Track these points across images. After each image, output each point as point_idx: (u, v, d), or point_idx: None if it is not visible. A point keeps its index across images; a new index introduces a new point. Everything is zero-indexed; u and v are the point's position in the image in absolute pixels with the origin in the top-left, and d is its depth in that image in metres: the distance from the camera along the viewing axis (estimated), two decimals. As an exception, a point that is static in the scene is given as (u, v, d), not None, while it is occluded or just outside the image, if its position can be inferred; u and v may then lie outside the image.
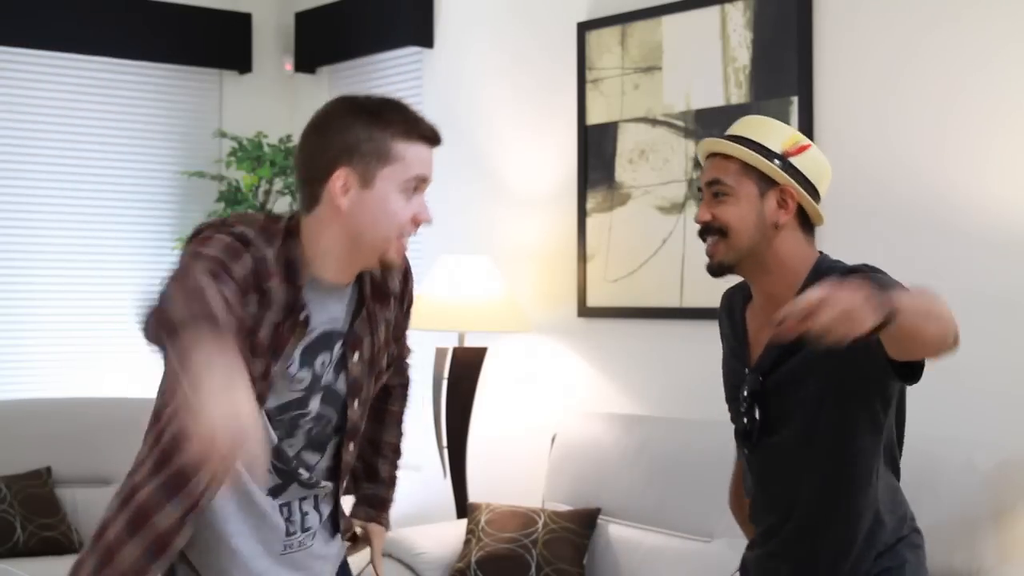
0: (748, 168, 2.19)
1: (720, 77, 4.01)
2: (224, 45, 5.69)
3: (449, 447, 4.52)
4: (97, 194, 5.44)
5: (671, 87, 4.16)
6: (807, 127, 3.76)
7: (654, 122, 4.21)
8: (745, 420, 2.27)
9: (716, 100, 4.02)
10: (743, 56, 3.95)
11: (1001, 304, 3.36)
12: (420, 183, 2.11)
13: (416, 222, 2.12)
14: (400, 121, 2.04)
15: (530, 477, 4.43)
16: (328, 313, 2.10)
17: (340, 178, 2.00)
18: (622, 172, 4.31)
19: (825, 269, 2.20)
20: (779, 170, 2.17)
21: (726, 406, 2.39)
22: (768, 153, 2.18)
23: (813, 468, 2.20)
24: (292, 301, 2.01)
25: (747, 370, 2.27)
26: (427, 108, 5.15)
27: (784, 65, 3.84)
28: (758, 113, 3.87)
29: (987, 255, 3.38)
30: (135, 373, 5.43)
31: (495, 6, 4.84)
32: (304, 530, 2.19)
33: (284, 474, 2.13)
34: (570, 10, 4.51)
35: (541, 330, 4.60)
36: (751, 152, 2.19)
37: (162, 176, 5.57)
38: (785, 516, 2.26)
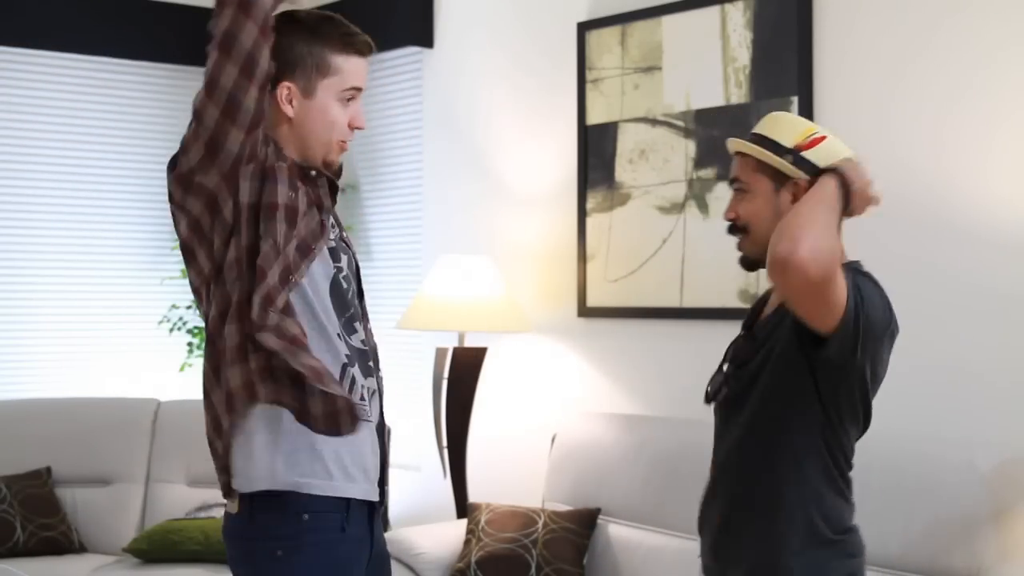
0: (762, 165, 2.27)
1: (720, 77, 4.01)
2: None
3: (449, 447, 4.52)
4: (97, 194, 5.45)
5: (671, 87, 4.16)
6: (807, 127, 3.76)
7: (654, 122, 4.21)
8: (725, 381, 2.37)
9: (716, 100, 4.02)
10: (743, 56, 3.95)
11: (1001, 304, 3.36)
12: (355, 92, 2.30)
13: (352, 127, 2.32)
14: (337, 36, 2.26)
15: (530, 477, 4.43)
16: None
17: (284, 89, 2.23)
18: (622, 172, 4.31)
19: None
20: (789, 164, 2.24)
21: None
22: (779, 149, 2.25)
23: (743, 433, 2.29)
24: (300, 168, 2.26)
25: (743, 332, 2.39)
26: (427, 108, 5.15)
27: (784, 65, 3.84)
28: (758, 113, 3.87)
29: (987, 255, 3.38)
30: (135, 373, 5.44)
31: (495, 6, 4.84)
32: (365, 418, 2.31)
33: (350, 347, 2.27)
34: (570, 10, 4.51)
35: (541, 330, 4.60)
36: (761, 149, 2.26)
37: (162, 176, 5.53)
38: (718, 480, 2.38)
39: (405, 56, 5.28)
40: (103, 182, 5.46)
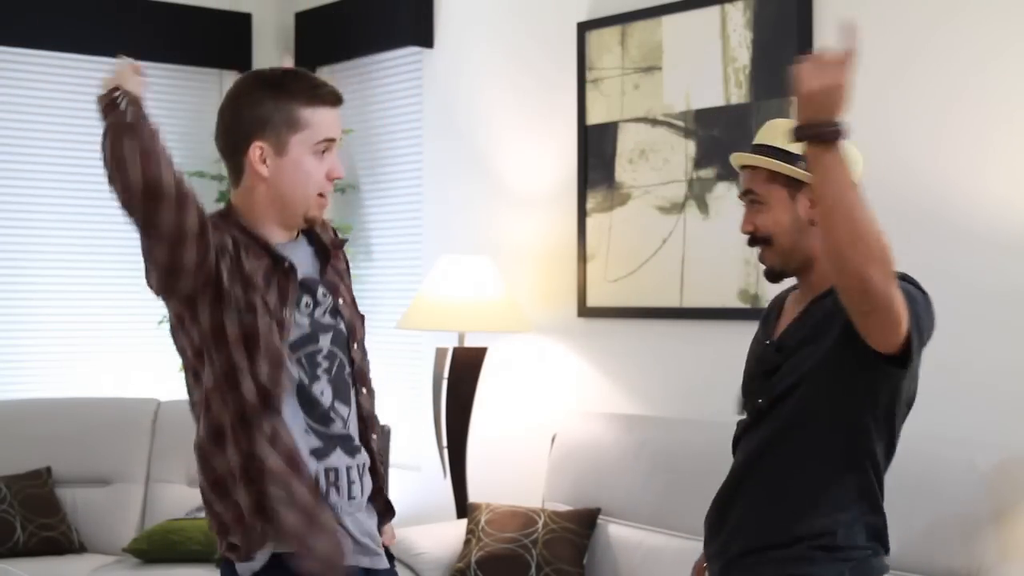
0: (774, 174, 2.28)
1: (720, 77, 4.01)
2: (224, 45, 5.69)
3: (449, 447, 4.52)
4: (97, 194, 5.43)
5: (671, 87, 4.16)
6: (807, 127, 3.76)
7: (654, 122, 4.21)
8: (754, 388, 2.34)
9: (716, 100, 4.02)
10: (743, 56, 3.95)
11: (1001, 304, 3.36)
12: (329, 143, 2.26)
13: (330, 178, 2.28)
14: (303, 89, 2.22)
15: (530, 477, 4.43)
16: (298, 260, 2.29)
17: (256, 149, 2.20)
18: (622, 172, 4.31)
19: None
20: (802, 171, 2.23)
21: (729, 407, 2.42)
22: (789, 156, 2.25)
23: (772, 439, 2.26)
24: (272, 255, 2.23)
25: (767, 342, 2.36)
26: (427, 108, 5.15)
27: (784, 65, 3.83)
28: (758, 113, 3.87)
29: (987, 255, 3.38)
30: (135, 373, 5.43)
31: (495, 6, 4.84)
32: (350, 498, 2.29)
33: (323, 436, 2.26)
34: (570, 10, 4.51)
35: (541, 330, 4.60)
36: (772, 160, 2.26)
37: (162, 176, 5.56)
38: (737, 483, 2.33)
39: (405, 56, 5.28)
40: (103, 182, 5.43)
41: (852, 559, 2.23)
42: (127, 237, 5.45)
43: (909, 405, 2.28)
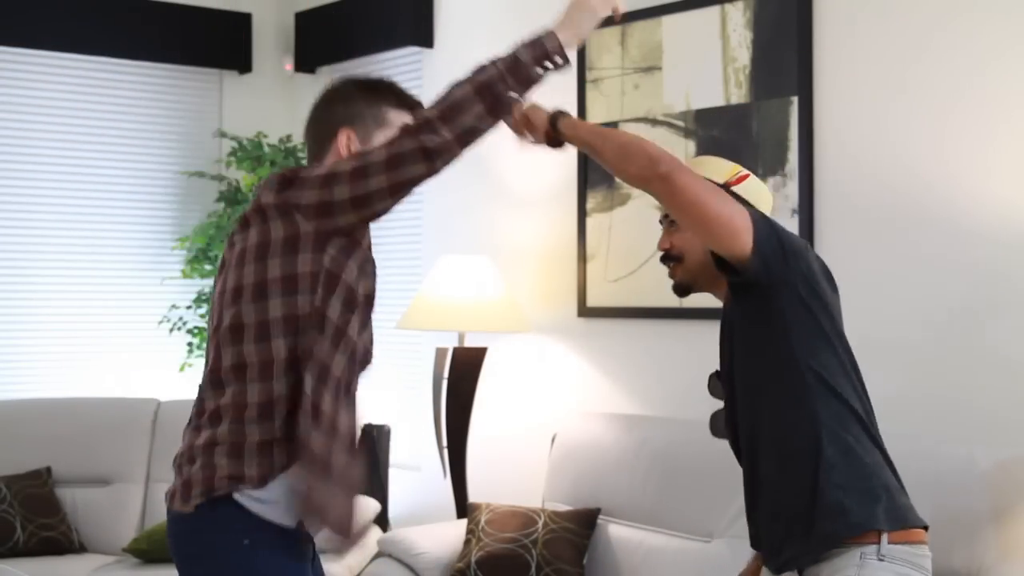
0: None
1: (720, 77, 4.01)
2: (224, 45, 5.70)
3: (449, 447, 4.52)
4: (97, 194, 5.45)
5: (671, 87, 4.16)
6: (807, 127, 3.77)
7: (654, 122, 4.21)
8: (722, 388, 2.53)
9: (716, 100, 4.02)
10: (743, 56, 3.95)
11: (1002, 303, 3.36)
12: None
13: None
14: (392, 94, 2.49)
15: (530, 477, 4.43)
16: None
17: (344, 135, 2.41)
18: (622, 172, 4.31)
19: None
20: None
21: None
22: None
23: (745, 403, 2.40)
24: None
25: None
26: (427, 108, 5.15)
27: (784, 65, 3.84)
28: (758, 113, 3.88)
29: (988, 254, 3.38)
30: (135, 373, 5.44)
31: (495, 6, 4.84)
32: None
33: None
34: (570, 10, 4.51)
35: (541, 330, 4.60)
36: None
37: (162, 176, 5.57)
38: (749, 477, 2.42)
39: (405, 56, 5.28)
40: (103, 182, 5.46)
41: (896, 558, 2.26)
42: (127, 237, 5.49)
43: (824, 305, 2.35)
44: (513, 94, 2.32)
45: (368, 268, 2.37)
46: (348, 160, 2.28)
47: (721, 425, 2.55)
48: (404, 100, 2.48)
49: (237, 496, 2.25)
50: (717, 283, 2.47)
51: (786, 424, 2.31)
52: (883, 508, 2.25)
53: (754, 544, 2.47)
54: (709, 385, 2.61)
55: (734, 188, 2.44)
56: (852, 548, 2.23)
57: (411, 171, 2.24)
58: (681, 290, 2.57)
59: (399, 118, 2.42)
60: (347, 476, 2.29)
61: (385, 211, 2.31)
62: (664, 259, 2.58)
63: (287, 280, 2.25)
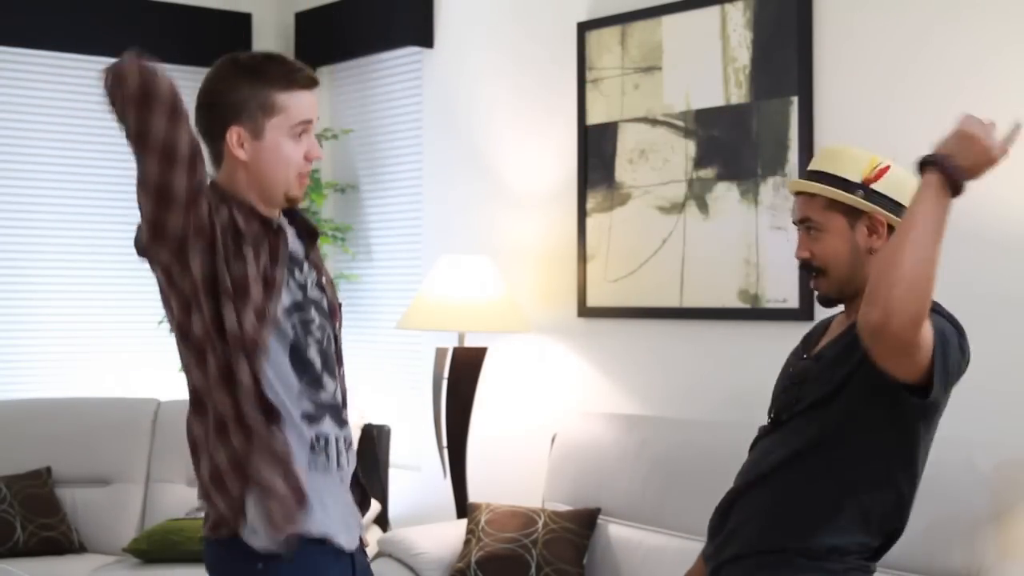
0: (833, 202, 2.29)
1: (720, 77, 4.01)
2: (224, 45, 5.64)
3: (449, 447, 4.52)
4: (97, 194, 5.44)
5: (671, 87, 4.16)
6: (807, 127, 3.77)
7: (654, 122, 4.21)
8: (782, 398, 2.37)
9: (716, 100, 4.02)
10: (743, 56, 3.95)
11: (1002, 304, 3.36)
12: (306, 125, 2.30)
13: (308, 159, 2.31)
14: (279, 75, 2.26)
15: (530, 477, 4.43)
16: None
17: (234, 134, 2.25)
18: (622, 172, 4.31)
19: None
20: (862, 200, 2.27)
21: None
22: (848, 185, 2.27)
23: (799, 449, 2.29)
24: (261, 219, 2.27)
25: (805, 355, 2.39)
26: (427, 108, 5.15)
27: (784, 65, 3.84)
28: (758, 113, 3.88)
29: (987, 254, 3.37)
30: (135, 373, 5.43)
31: (495, 6, 4.84)
32: (338, 467, 2.32)
33: (315, 402, 2.29)
34: (570, 10, 4.51)
35: (541, 330, 4.60)
36: (832, 188, 2.27)
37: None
38: (750, 485, 2.35)
39: (405, 56, 5.28)
40: (103, 182, 5.45)
41: (833, 571, 2.23)
42: (127, 237, 5.47)
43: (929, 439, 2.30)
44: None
45: (240, 247, 2.20)
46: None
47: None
48: (294, 79, 2.27)
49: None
50: (860, 297, 2.24)
51: (816, 483, 2.25)
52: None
53: (714, 529, 2.43)
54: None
55: (874, 186, 2.29)
56: None
57: (154, 130, 2.07)
58: (827, 302, 2.39)
59: (291, 100, 2.25)
60: (286, 453, 2.21)
61: (182, 186, 2.07)
62: (804, 267, 2.38)
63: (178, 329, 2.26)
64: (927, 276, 2.02)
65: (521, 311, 4.50)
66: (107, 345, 5.45)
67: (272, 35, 5.83)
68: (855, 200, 2.28)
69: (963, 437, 3.34)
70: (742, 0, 3.95)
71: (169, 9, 5.51)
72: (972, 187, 3.41)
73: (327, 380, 2.32)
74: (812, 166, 2.37)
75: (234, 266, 2.18)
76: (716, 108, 4.02)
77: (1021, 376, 3.31)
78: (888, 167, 2.30)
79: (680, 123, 4.13)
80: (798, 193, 2.37)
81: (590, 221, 4.42)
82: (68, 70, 5.39)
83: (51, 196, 5.35)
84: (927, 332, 2.06)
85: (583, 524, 3.91)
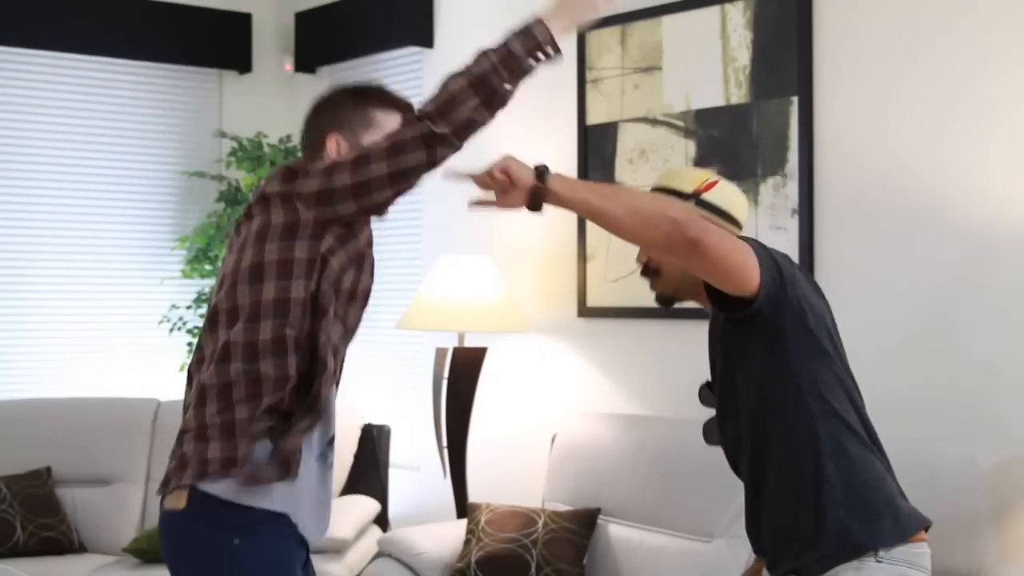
0: None
1: (720, 77, 4.01)
2: (224, 45, 5.69)
3: (449, 447, 4.52)
4: (97, 194, 5.44)
5: (671, 87, 4.16)
6: (807, 127, 3.77)
7: (654, 122, 4.21)
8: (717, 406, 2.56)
9: (716, 100, 4.02)
10: (743, 56, 3.95)
11: (1001, 303, 3.36)
12: None
13: None
14: (377, 96, 2.53)
15: (530, 477, 4.43)
16: None
17: (333, 141, 2.46)
18: (622, 172, 4.31)
19: None
20: (692, 205, 2.45)
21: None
22: (680, 195, 2.46)
23: (745, 423, 2.41)
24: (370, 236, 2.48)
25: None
26: (427, 108, 5.14)
27: (784, 65, 3.84)
28: (758, 113, 3.88)
29: (987, 254, 3.38)
30: (135, 373, 5.44)
31: (495, 6, 4.84)
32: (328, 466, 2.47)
33: (335, 397, 2.46)
34: (570, 10, 4.50)
35: (541, 330, 4.59)
36: (665, 196, 2.47)
37: (162, 176, 5.57)
38: (748, 484, 2.45)
39: (405, 56, 5.28)
40: (103, 182, 5.46)
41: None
42: (127, 237, 5.49)
43: (829, 330, 2.37)
44: (508, 86, 2.37)
45: (363, 263, 2.40)
46: (350, 152, 2.33)
47: (714, 432, 2.57)
48: (390, 101, 2.51)
49: (225, 493, 2.26)
50: (700, 293, 2.47)
51: (787, 445, 2.33)
52: (886, 524, 2.27)
53: (756, 551, 2.48)
54: (700, 396, 2.65)
55: (704, 196, 2.46)
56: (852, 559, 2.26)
57: (412, 159, 2.26)
58: (664, 301, 2.59)
59: (386, 118, 2.47)
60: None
61: (384, 203, 2.30)
62: (643, 272, 2.58)
63: (283, 264, 2.30)
64: (633, 204, 2.28)
65: (521, 311, 4.50)
66: (107, 345, 5.45)
67: (272, 35, 5.83)
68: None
69: (963, 437, 3.34)
70: (742, 0, 3.95)
71: (169, 9, 5.51)
72: (972, 186, 3.42)
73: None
74: (652, 184, 2.58)
75: (360, 271, 2.42)
76: (716, 108, 4.02)
77: (1021, 376, 3.31)
78: (717, 182, 2.47)
79: (680, 123, 4.13)
80: None
81: (590, 221, 4.41)
82: (68, 70, 5.39)
83: (51, 196, 5.35)
84: (736, 245, 2.23)
85: (583, 524, 3.91)
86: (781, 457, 2.34)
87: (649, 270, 2.55)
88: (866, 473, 2.30)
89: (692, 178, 2.49)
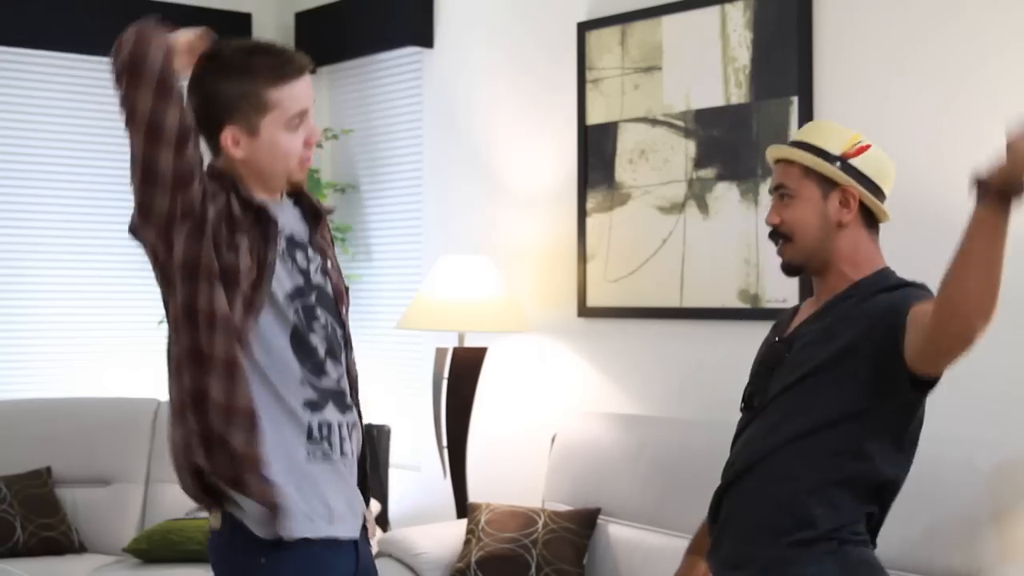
0: (809, 171, 2.33)
1: (720, 77, 4.01)
2: (224, 45, 5.69)
3: (449, 447, 4.52)
4: (97, 194, 5.44)
5: (671, 87, 4.16)
6: (807, 127, 3.77)
7: (654, 122, 4.21)
8: (755, 382, 2.40)
9: (716, 100, 4.02)
10: (743, 56, 3.95)
11: (1000, 303, 3.35)
12: (303, 115, 2.24)
13: (309, 144, 2.26)
14: (267, 68, 2.19)
15: (530, 477, 4.43)
16: (284, 218, 2.28)
17: (228, 136, 2.20)
18: (622, 172, 4.31)
19: (895, 282, 2.38)
20: (839, 171, 2.30)
21: (737, 410, 2.48)
22: (827, 156, 2.31)
23: (779, 426, 2.30)
24: (258, 208, 2.22)
25: (777, 339, 2.41)
26: (427, 108, 5.15)
27: (784, 65, 3.84)
28: (758, 113, 3.88)
29: (987, 255, 3.37)
30: (135, 373, 5.43)
31: (495, 6, 4.84)
32: (342, 454, 2.30)
33: (317, 389, 2.26)
34: (570, 10, 4.51)
35: (541, 330, 4.59)
36: (811, 156, 2.31)
37: (162, 176, 5.56)
38: (740, 469, 2.36)
39: (405, 56, 5.28)
40: (103, 182, 5.45)
41: (833, 547, 2.25)
42: (127, 237, 5.48)
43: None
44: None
45: (233, 235, 2.17)
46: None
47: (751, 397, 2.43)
48: (284, 72, 2.20)
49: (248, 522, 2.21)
50: (829, 271, 2.33)
51: (801, 472, 2.26)
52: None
53: (712, 519, 2.44)
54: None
55: (852, 161, 2.32)
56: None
57: (139, 106, 2.08)
58: (791, 270, 2.41)
59: (283, 94, 2.19)
60: (249, 454, 2.16)
61: (168, 165, 2.09)
62: (772, 235, 2.40)
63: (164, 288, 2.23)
64: (997, 288, 2.11)
65: (521, 311, 4.50)
66: (107, 345, 5.45)
67: (272, 35, 5.82)
68: (831, 170, 2.31)
69: (963, 437, 3.34)
70: (742, 0, 3.95)
71: (169, 9, 5.51)
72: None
73: (330, 366, 2.29)
74: (796, 137, 2.41)
75: (226, 255, 2.15)
76: (716, 108, 4.02)
77: (1021, 376, 3.31)
78: (869, 146, 2.34)
79: (680, 123, 4.13)
80: (777, 161, 2.40)
81: (590, 221, 4.42)
82: (68, 70, 5.39)
83: (51, 196, 5.35)
84: None
85: (583, 524, 3.91)
86: (786, 475, 2.28)
87: (780, 234, 2.38)
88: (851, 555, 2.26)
89: (842, 138, 2.33)
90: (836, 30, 3.74)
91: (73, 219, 5.39)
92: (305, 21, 5.70)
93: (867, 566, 2.27)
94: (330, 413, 2.28)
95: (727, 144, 3.98)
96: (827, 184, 2.33)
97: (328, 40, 5.55)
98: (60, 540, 4.52)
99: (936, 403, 3.46)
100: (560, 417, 4.36)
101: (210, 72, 2.23)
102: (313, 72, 2.27)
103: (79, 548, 4.59)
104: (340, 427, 2.30)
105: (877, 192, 2.36)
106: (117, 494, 4.75)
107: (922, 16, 3.53)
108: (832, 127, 2.39)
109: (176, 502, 4.66)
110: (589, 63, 4.43)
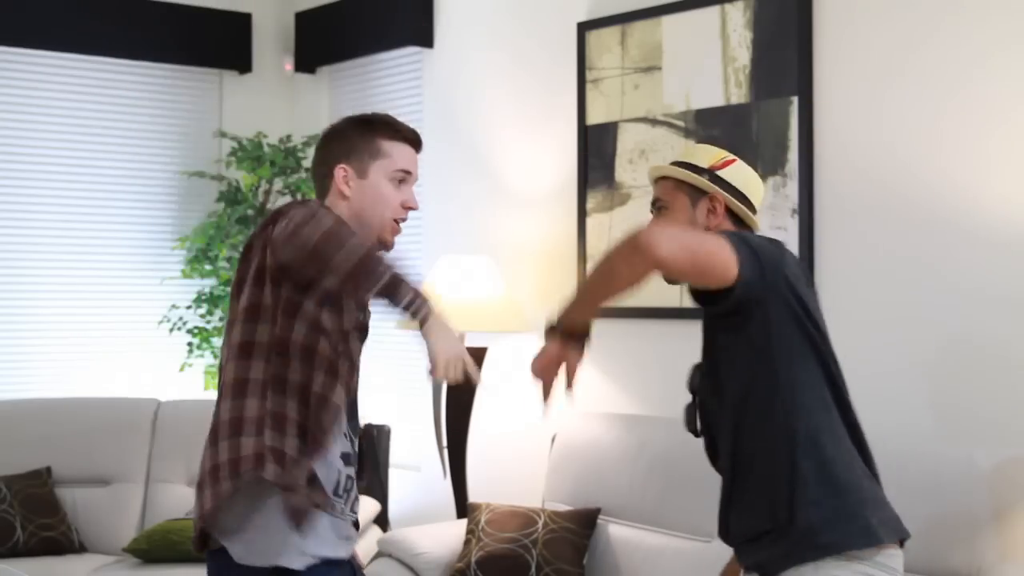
0: (680, 183, 2.52)
1: (720, 77, 4.01)
2: (224, 45, 5.69)
3: (449, 447, 4.52)
4: (97, 194, 5.44)
5: (671, 87, 4.16)
6: (807, 127, 3.77)
7: (654, 122, 4.21)
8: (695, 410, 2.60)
9: (716, 100, 4.02)
10: (743, 56, 3.95)
11: (1000, 303, 3.36)
12: (405, 175, 2.56)
13: (405, 207, 2.58)
14: (385, 125, 2.56)
15: (530, 477, 4.43)
16: None
17: (341, 171, 2.51)
18: (622, 172, 4.31)
19: None
20: (705, 180, 2.48)
21: None
22: (696, 169, 2.49)
23: (726, 414, 2.43)
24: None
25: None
26: (427, 108, 5.15)
27: (784, 65, 3.84)
28: (758, 113, 3.88)
29: (986, 254, 3.38)
30: (135, 373, 5.44)
31: (495, 6, 4.84)
32: (351, 506, 2.50)
33: (350, 442, 2.52)
34: (570, 10, 4.51)
35: (541, 330, 4.58)
36: (682, 170, 2.50)
37: (162, 176, 5.57)
38: (726, 473, 2.48)
39: (405, 56, 5.28)
40: (103, 182, 5.46)
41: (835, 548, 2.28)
42: (127, 237, 5.48)
43: (817, 322, 2.36)
44: (374, 280, 2.29)
45: (338, 302, 2.41)
46: (337, 222, 2.31)
47: (693, 419, 2.59)
48: (398, 130, 2.55)
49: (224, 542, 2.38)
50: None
51: (765, 439, 2.33)
52: (856, 528, 2.26)
53: (722, 536, 2.49)
54: (690, 380, 2.65)
55: (719, 172, 2.47)
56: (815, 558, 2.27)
57: (363, 276, 2.27)
58: (670, 280, 2.56)
59: (394, 149, 2.53)
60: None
61: (315, 284, 2.34)
62: None
63: (250, 310, 2.37)
64: (617, 262, 2.31)
65: (521, 311, 4.50)
66: (107, 345, 5.45)
67: (272, 35, 5.83)
68: (698, 180, 2.48)
69: (963, 437, 3.34)
70: (742, 0, 3.95)
71: (169, 9, 5.51)
72: (971, 185, 3.42)
73: (356, 424, 2.55)
74: (673, 158, 2.60)
75: (333, 316, 2.42)
76: (716, 108, 4.02)
77: (1021, 376, 3.31)
78: (735, 160, 2.51)
79: (680, 123, 4.13)
80: (656, 180, 2.58)
81: (590, 221, 4.42)
82: (68, 70, 5.39)
83: (51, 196, 5.35)
84: (713, 245, 2.24)
85: (583, 524, 3.91)
86: (757, 450, 2.34)
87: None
88: (843, 474, 2.29)
89: (710, 155, 2.52)
90: (836, 30, 3.74)
91: (73, 219, 5.39)
92: (305, 21, 5.70)
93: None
94: (351, 468, 2.50)
95: (727, 144, 3.96)
96: (696, 193, 2.50)
97: (328, 40, 5.56)
98: (60, 540, 4.52)
99: (936, 403, 3.47)
100: (560, 417, 4.36)
101: (339, 127, 2.58)
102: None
103: (79, 548, 4.59)
104: (351, 480, 2.50)
105: (744, 201, 2.50)
106: (117, 494, 4.75)
107: (921, 16, 3.53)
108: (703, 147, 2.58)
109: (176, 502, 4.67)
110: (589, 63, 4.43)
